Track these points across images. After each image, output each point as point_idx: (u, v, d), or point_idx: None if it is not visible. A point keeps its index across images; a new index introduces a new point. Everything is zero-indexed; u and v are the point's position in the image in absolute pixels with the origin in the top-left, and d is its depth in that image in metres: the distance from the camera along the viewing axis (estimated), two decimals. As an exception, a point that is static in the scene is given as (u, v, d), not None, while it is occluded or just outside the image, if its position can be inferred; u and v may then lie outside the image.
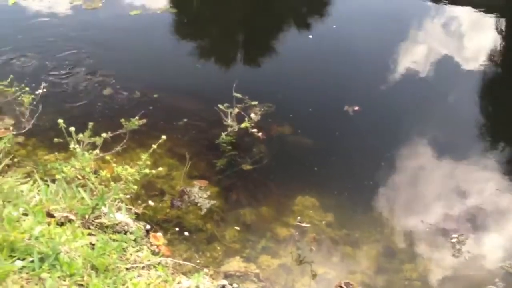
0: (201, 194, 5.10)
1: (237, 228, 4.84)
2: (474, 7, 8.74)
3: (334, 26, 8.37)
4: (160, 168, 4.34)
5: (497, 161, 5.70)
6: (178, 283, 3.52)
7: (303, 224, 4.41)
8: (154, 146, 4.27)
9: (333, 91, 6.84)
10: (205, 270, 3.42)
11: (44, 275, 2.64)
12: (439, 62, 7.50)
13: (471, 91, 6.95)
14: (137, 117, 4.69)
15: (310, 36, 8.24)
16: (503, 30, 8.37)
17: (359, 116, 6.28)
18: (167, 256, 4.23)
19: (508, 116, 6.59)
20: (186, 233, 4.72)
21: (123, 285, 3.24)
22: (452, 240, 4.69)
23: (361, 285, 4.33)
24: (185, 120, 6.05)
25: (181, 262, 4.14)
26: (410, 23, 8.49)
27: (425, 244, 4.71)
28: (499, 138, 6.17)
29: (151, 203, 4.93)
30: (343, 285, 4.17)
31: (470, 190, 5.36)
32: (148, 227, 4.61)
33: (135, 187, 4.23)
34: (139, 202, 4.92)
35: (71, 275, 2.85)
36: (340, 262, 4.55)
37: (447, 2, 8.93)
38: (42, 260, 2.76)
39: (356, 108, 6.33)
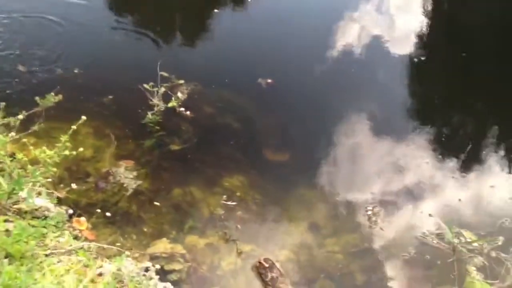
0: (127, 175, 5.01)
1: (164, 209, 4.79)
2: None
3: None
4: (81, 149, 4.23)
5: (416, 136, 5.90)
6: (100, 267, 3.46)
7: (229, 203, 4.43)
8: (74, 127, 4.15)
9: (259, 68, 6.81)
10: (127, 253, 3.36)
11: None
12: (364, 39, 7.66)
13: (391, 69, 7.19)
14: (52, 93, 4.45)
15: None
16: (430, 10, 8.61)
17: (275, 89, 6.39)
18: (91, 241, 4.15)
19: (429, 92, 6.84)
20: (111, 216, 4.63)
21: (40, 271, 3.15)
22: (368, 213, 4.86)
23: (287, 261, 4.42)
24: (110, 97, 5.90)
25: (105, 246, 4.06)
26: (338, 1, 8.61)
27: (346, 218, 4.86)
28: (419, 113, 6.39)
29: (74, 186, 4.79)
30: (262, 261, 4.23)
31: (387, 164, 5.55)
32: (71, 211, 4.50)
33: (55, 169, 4.11)
34: (62, 186, 4.77)
35: (-20, 265, 2.74)
36: (267, 239, 4.60)
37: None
38: None
39: (270, 80, 6.44)
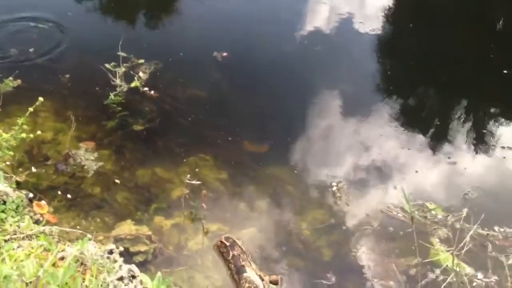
0: (88, 156, 4.90)
1: (129, 190, 4.71)
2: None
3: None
4: (39, 132, 4.13)
5: (381, 112, 5.92)
6: (62, 251, 3.37)
7: (194, 182, 4.36)
8: (31, 109, 4.03)
9: (217, 43, 6.74)
10: (89, 235, 3.28)
11: None
12: (330, 18, 7.61)
13: (353, 47, 7.21)
14: (11, 78, 4.32)
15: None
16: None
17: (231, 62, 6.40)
18: (53, 225, 4.05)
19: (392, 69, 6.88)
20: (74, 199, 4.54)
21: (-1, 257, 3.05)
22: (333, 189, 4.87)
23: (254, 238, 4.41)
24: (67, 75, 5.75)
25: (68, 229, 3.97)
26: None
27: (312, 195, 4.86)
28: (383, 91, 6.41)
29: (34, 170, 4.66)
30: (223, 240, 4.21)
31: (351, 141, 5.56)
32: (31, 195, 4.38)
33: (11, 153, 4.00)
34: (21, 169, 4.64)
35: None
36: (233, 218, 4.58)
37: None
38: None
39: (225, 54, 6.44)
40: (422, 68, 6.80)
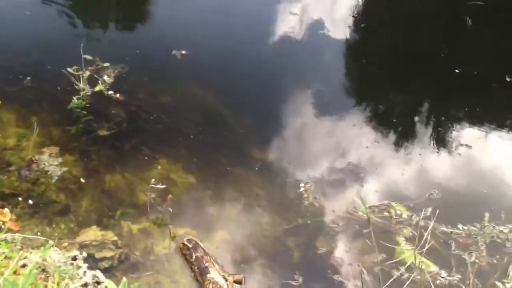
0: (52, 162, 4.80)
1: (94, 196, 4.64)
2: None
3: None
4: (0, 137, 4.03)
5: (348, 114, 6.00)
6: (24, 258, 3.30)
7: (159, 186, 4.33)
8: (-10, 114, 3.94)
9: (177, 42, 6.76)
10: (51, 242, 3.22)
11: None
12: (296, 20, 7.67)
13: (315, 43, 7.27)
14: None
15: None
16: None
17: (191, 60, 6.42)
18: (15, 232, 3.97)
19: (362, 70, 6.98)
20: (38, 206, 4.45)
21: (-44, 267, 2.97)
22: (301, 190, 4.90)
23: (222, 241, 4.40)
24: (28, 78, 5.66)
25: (31, 236, 3.89)
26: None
27: (280, 196, 4.87)
28: (349, 92, 6.53)
29: (-4, 176, 4.56)
30: (185, 242, 4.19)
31: (319, 142, 5.62)
32: (-8, 202, 4.28)
33: (-31, 160, 3.90)
34: (-18, 176, 4.53)
35: None
36: (200, 221, 4.55)
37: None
38: None
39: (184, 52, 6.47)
40: (395, 70, 6.91)
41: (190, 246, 4.14)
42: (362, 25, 7.69)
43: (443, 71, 6.85)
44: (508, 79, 6.64)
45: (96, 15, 7.32)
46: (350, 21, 7.83)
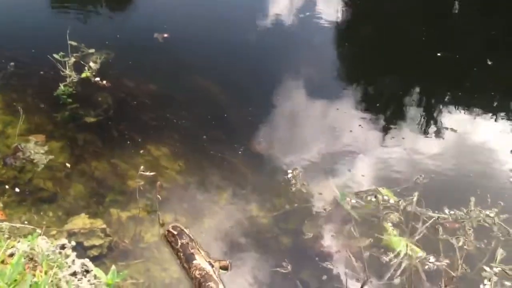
0: (38, 150, 4.76)
1: (82, 183, 4.61)
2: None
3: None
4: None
5: (336, 99, 5.99)
6: (12, 247, 3.29)
7: (147, 173, 4.32)
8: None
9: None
10: (38, 230, 3.21)
11: None
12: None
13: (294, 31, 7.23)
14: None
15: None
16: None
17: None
18: (2, 221, 3.95)
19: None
20: (25, 194, 4.42)
21: None
22: (289, 176, 4.90)
23: (211, 228, 4.40)
24: (12, 63, 5.60)
25: (18, 225, 3.88)
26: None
27: (268, 183, 4.86)
28: (337, 77, 6.52)
29: (-19, 165, 4.52)
30: (170, 229, 4.19)
31: (307, 128, 5.62)
32: (-22, 191, 4.25)
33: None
34: (-33, 165, 4.49)
35: None
36: (189, 208, 4.54)
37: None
38: None
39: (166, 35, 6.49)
40: (384, 56, 6.90)
41: (175, 233, 4.14)
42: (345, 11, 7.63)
43: (425, 54, 6.84)
44: (489, 63, 6.66)
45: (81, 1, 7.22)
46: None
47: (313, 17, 7.42)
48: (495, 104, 6.23)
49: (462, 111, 6.00)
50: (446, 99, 6.25)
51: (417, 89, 6.39)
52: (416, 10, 7.89)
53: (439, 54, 6.70)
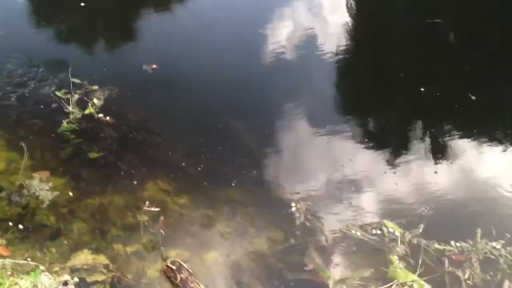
0: (42, 186, 4.78)
1: (85, 219, 4.61)
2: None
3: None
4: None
5: (340, 131, 5.98)
6: (15, 284, 3.27)
7: (152, 209, 4.33)
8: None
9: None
10: (41, 267, 3.19)
11: None
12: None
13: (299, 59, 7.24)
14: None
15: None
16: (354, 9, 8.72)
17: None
18: (5, 257, 3.94)
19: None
20: (28, 230, 4.41)
21: None
22: (293, 209, 4.89)
23: (214, 263, 4.37)
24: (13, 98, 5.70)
25: (21, 261, 3.86)
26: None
27: (272, 216, 4.85)
28: (338, 109, 6.55)
29: (-14, 202, 4.52)
30: (169, 264, 4.17)
31: (310, 159, 5.62)
32: (-18, 229, 4.24)
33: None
34: (-28, 203, 4.50)
35: None
36: (192, 243, 4.53)
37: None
38: None
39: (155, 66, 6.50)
40: (385, 85, 6.91)
41: (174, 268, 4.13)
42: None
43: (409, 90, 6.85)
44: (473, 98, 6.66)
45: (82, 39, 7.31)
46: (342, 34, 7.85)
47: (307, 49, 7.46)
48: (498, 135, 6.23)
49: (467, 142, 5.99)
50: (450, 131, 6.23)
51: (420, 122, 6.39)
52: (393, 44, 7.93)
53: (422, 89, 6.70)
